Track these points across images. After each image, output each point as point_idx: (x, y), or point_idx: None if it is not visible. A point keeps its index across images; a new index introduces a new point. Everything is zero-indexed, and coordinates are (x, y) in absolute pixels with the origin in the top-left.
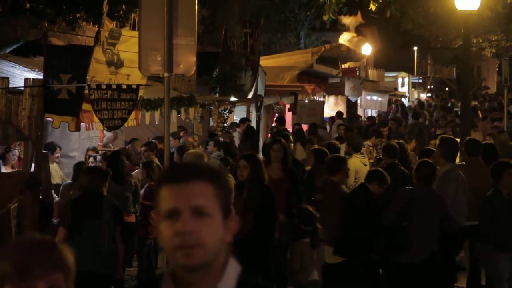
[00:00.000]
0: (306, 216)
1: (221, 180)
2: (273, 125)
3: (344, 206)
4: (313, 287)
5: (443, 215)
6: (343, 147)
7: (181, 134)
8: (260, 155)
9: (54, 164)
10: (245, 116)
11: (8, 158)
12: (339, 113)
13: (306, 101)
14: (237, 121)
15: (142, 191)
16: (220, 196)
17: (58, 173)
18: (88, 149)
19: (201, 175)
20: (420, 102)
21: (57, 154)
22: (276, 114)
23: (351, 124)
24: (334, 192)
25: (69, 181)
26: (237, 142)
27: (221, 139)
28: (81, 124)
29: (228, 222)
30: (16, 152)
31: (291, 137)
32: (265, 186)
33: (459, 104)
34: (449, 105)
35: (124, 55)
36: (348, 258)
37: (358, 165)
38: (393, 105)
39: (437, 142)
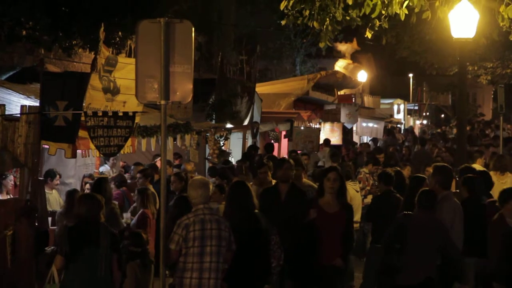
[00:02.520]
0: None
1: None
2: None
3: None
4: None
5: (443, 242)
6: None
7: (176, 162)
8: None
9: (54, 191)
10: (240, 143)
11: (5, 184)
12: (326, 141)
13: (302, 127)
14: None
15: (134, 219)
16: None
17: (57, 200)
18: (84, 176)
19: None
20: (411, 130)
21: (57, 181)
22: (272, 141)
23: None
24: (499, 225)
25: (60, 209)
26: None
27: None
28: (77, 151)
29: None
30: (12, 177)
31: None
32: (251, 213)
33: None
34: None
35: (120, 82)
36: None
37: (352, 192)
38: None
39: (431, 170)
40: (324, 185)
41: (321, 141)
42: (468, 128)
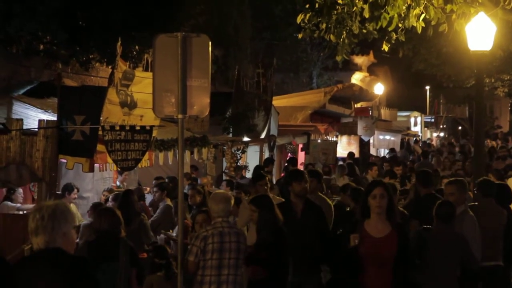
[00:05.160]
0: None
1: None
2: (285, 164)
3: None
4: None
5: (463, 255)
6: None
7: (193, 174)
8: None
9: (72, 205)
10: (257, 156)
11: (15, 198)
12: (350, 154)
13: (319, 141)
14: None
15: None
16: None
17: (75, 214)
18: (103, 190)
19: None
20: (428, 143)
21: (75, 195)
22: (289, 154)
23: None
24: None
25: (85, 221)
26: None
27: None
28: (95, 165)
29: None
30: (21, 190)
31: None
32: (278, 228)
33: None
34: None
35: (137, 96)
36: None
37: None
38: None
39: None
40: (370, 204)
41: (339, 154)
42: (489, 141)
